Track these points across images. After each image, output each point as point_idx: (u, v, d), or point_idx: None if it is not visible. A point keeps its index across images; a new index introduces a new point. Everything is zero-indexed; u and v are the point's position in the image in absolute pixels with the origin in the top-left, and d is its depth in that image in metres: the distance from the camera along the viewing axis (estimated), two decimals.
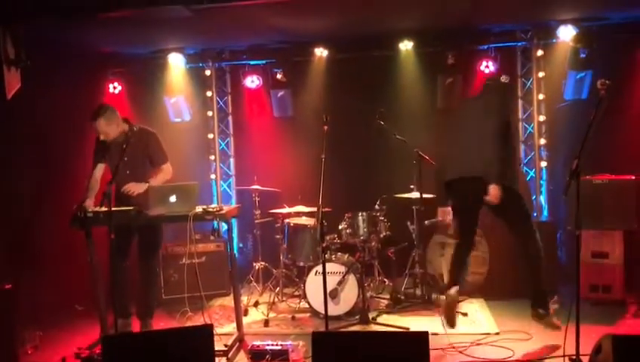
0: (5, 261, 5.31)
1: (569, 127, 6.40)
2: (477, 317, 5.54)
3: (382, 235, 5.86)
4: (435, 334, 4.98)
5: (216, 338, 3.70)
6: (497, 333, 5.02)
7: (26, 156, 5.72)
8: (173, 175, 5.44)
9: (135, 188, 4.95)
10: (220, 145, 7.82)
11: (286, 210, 6.27)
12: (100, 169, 5.13)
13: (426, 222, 4.87)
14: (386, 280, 6.43)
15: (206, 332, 3.60)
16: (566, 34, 6.37)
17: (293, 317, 5.68)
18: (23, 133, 5.66)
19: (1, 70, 4.73)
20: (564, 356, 4.00)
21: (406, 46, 6.84)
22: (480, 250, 6.18)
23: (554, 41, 6.61)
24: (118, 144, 4.94)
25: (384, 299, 6.06)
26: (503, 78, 4.99)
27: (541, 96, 6.92)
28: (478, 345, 4.76)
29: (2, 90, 4.74)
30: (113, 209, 4.48)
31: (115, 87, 7.30)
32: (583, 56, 6.27)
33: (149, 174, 5.12)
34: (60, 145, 6.10)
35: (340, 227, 5.85)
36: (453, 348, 4.69)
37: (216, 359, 3.95)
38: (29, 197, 5.74)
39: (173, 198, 4.70)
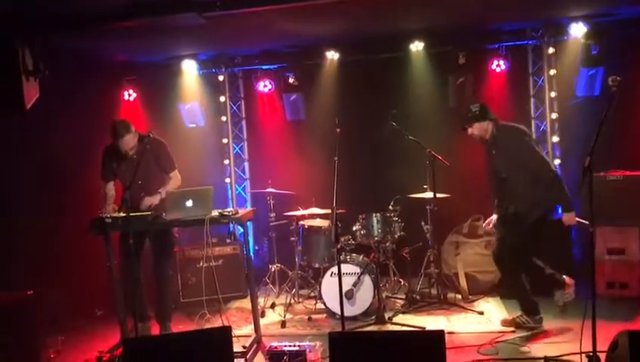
0: (26, 268, 5.42)
1: (582, 124, 6.37)
2: (493, 315, 5.55)
3: (396, 236, 5.88)
4: (451, 333, 5.01)
5: (234, 339, 3.76)
6: (513, 331, 5.02)
7: (44, 165, 5.82)
8: (189, 179, 5.53)
9: (151, 201, 5.07)
10: (235, 149, 7.90)
11: (300, 212, 6.32)
12: (112, 186, 5.27)
13: None
14: (401, 280, 6.45)
15: (224, 334, 3.65)
16: (577, 31, 6.36)
17: (309, 318, 5.73)
18: (41, 142, 5.77)
19: (20, 81, 4.82)
20: (580, 353, 4.00)
21: (416, 47, 6.86)
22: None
23: (565, 38, 6.59)
24: (130, 155, 5.08)
25: (400, 299, 6.08)
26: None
27: (553, 94, 6.90)
28: (495, 343, 4.77)
29: (21, 100, 4.83)
30: (131, 214, 4.57)
31: (130, 95, 7.41)
32: (594, 52, 6.25)
33: (160, 183, 5.22)
34: (78, 153, 6.20)
35: (354, 228, 5.88)
36: (470, 346, 4.71)
37: (235, 360, 3.99)
38: (48, 205, 5.84)
39: (189, 203, 4.78)
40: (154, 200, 5.08)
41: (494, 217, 5.26)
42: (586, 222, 5.26)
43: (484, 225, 5.47)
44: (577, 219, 4.89)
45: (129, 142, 5.04)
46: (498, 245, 5.19)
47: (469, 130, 5.13)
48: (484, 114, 5.07)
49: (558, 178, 4.90)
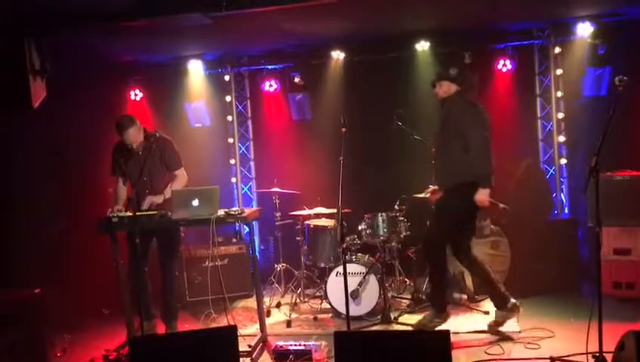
0: (34, 267, 5.45)
1: (588, 124, 6.36)
2: None
3: (402, 235, 5.87)
4: (457, 333, 5.00)
5: (240, 339, 3.76)
6: (519, 331, 5.01)
7: (52, 165, 5.85)
8: (195, 179, 5.54)
9: (155, 201, 5.09)
10: (240, 149, 7.92)
11: (306, 211, 6.32)
12: (122, 186, 5.30)
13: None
14: (406, 280, 6.44)
15: (230, 334, 3.66)
16: (583, 30, 6.34)
17: (315, 318, 5.73)
18: (48, 142, 5.80)
19: (28, 80, 4.85)
20: (587, 353, 3.99)
21: (422, 46, 6.86)
22: (500, 248, 6.17)
23: (571, 38, 6.57)
24: (136, 152, 5.11)
25: (405, 299, 6.07)
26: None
27: (559, 94, 6.88)
28: (500, 342, 4.76)
29: (29, 99, 4.86)
30: (138, 213, 4.59)
31: (136, 95, 7.44)
32: (601, 52, 6.22)
33: (165, 181, 5.24)
34: (84, 153, 6.23)
35: (359, 228, 5.87)
36: (476, 346, 4.70)
37: (241, 359, 4.01)
38: (55, 203, 5.87)
39: (195, 202, 4.79)
40: (157, 199, 5.10)
41: None
42: (505, 206, 5.18)
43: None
44: (491, 200, 4.74)
45: (134, 135, 5.04)
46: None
47: (437, 88, 4.96)
48: (458, 78, 4.88)
49: (485, 149, 4.59)
